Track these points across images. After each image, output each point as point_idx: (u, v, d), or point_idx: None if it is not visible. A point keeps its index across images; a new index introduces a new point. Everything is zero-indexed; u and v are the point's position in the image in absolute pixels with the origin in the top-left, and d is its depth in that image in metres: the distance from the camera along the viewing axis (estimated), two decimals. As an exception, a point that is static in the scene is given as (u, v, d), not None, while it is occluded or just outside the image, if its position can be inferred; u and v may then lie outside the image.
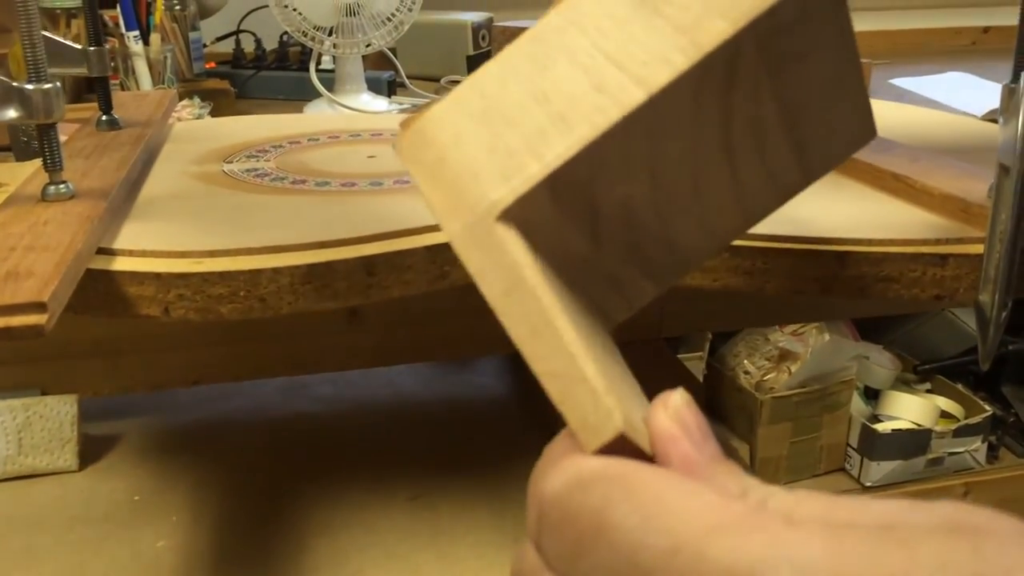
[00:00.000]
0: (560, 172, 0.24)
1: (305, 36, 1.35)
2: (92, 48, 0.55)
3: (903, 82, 1.53)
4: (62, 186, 0.43)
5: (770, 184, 0.28)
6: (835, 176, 0.49)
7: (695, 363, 1.55)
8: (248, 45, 1.54)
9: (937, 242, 0.40)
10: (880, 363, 1.60)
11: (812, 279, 0.40)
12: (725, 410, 1.55)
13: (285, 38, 1.54)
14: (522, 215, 0.24)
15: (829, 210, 0.44)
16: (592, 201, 0.25)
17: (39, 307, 0.31)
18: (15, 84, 0.40)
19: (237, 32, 1.51)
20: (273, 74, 1.48)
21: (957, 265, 0.39)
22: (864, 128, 0.29)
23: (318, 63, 1.37)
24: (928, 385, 1.65)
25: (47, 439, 0.50)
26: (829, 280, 0.40)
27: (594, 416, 0.22)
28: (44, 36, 0.57)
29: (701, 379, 1.58)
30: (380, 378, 0.60)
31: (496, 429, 0.56)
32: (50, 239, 0.37)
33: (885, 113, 0.67)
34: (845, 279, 0.40)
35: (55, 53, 0.52)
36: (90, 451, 0.52)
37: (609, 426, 0.21)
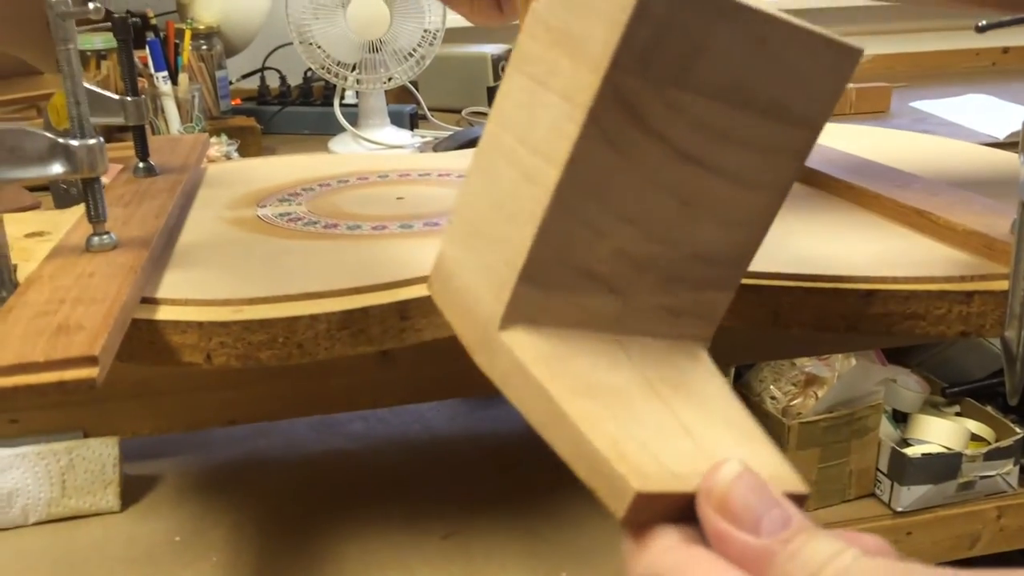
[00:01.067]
0: (528, 269, 0.25)
1: (328, 72, 1.37)
2: (129, 99, 0.57)
3: (924, 104, 1.53)
4: (105, 237, 0.44)
5: (769, 156, 0.27)
6: (859, 212, 0.50)
7: (721, 389, 1.55)
8: (273, 81, 1.57)
9: (962, 279, 0.40)
10: (908, 386, 1.59)
11: (839, 317, 0.41)
12: (752, 436, 1.55)
13: (309, 74, 1.56)
14: (521, 316, 0.26)
15: (854, 247, 0.45)
16: (582, 268, 0.26)
17: (90, 361, 0.32)
18: (60, 140, 0.41)
19: (262, 69, 1.54)
20: (298, 109, 1.50)
21: (982, 302, 0.40)
22: (838, 54, 0.27)
23: (342, 98, 1.40)
24: (957, 408, 1.63)
25: (90, 481, 0.51)
26: (856, 318, 0.40)
27: (613, 485, 0.23)
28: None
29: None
30: (410, 414, 0.61)
31: (526, 465, 0.56)
32: (97, 291, 0.38)
33: (905, 143, 0.67)
34: (872, 317, 0.40)
35: (93, 103, 0.53)
36: (130, 492, 0.53)
37: (627, 492, 0.22)
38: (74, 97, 0.41)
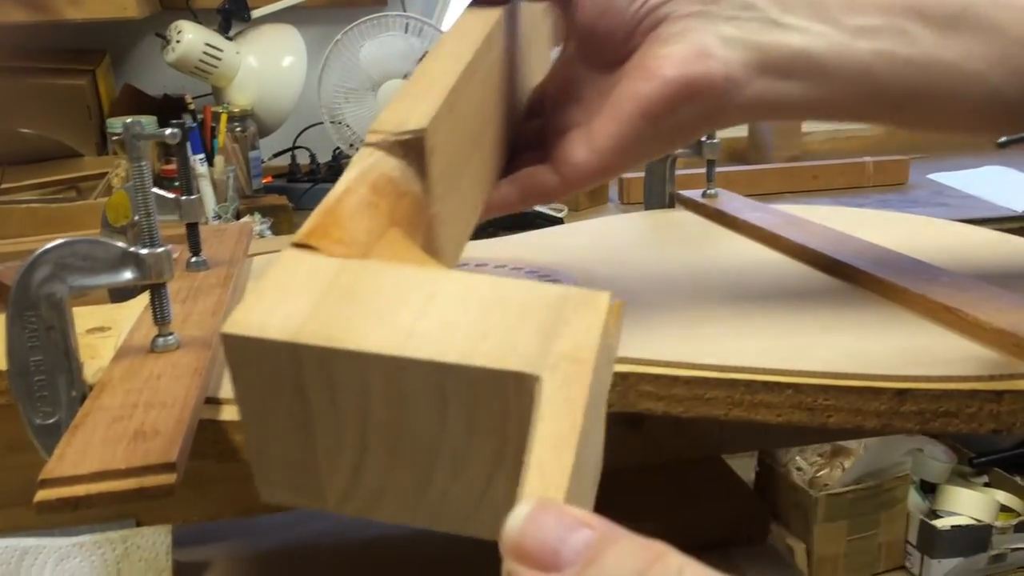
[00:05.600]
0: None
1: (357, 152, 1.41)
2: (184, 198, 0.60)
3: (942, 176, 1.56)
4: (170, 338, 0.46)
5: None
6: (888, 306, 0.52)
7: (746, 460, 1.55)
8: (302, 159, 1.62)
9: (991, 378, 0.42)
10: (935, 456, 1.58)
11: (873, 414, 0.42)
12: (779, 508, 1.54)
13: (337, 152, 1.61)
14: None
15: (886, 344, 0.46)
16: None
17: (168, 467, 0.34)
18: (131, 250, 0.44)
19: (293, 148, 1.59)
20: (327, 186, 1.54)
21: (1012, 400, 0.41)
22: None
23: (370, 176, 1.44)
24: (985, 478, 1.62)
25: (144, 570, 0.52)
26: (890, 415, 0.42)
27: None
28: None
29: (753, 475, 1.57)
30: (451, 500, 0.62)
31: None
32: (166, 395, 0.41)
33: (924, 231, 0.69)
34: (905, 414, 0.42)
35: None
36: (181, 579, 0.54)
37: None
38: (145, 209, 0.44)
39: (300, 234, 0.31)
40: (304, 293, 0.28)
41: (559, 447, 0.24)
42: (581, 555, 0.20)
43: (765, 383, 0.43)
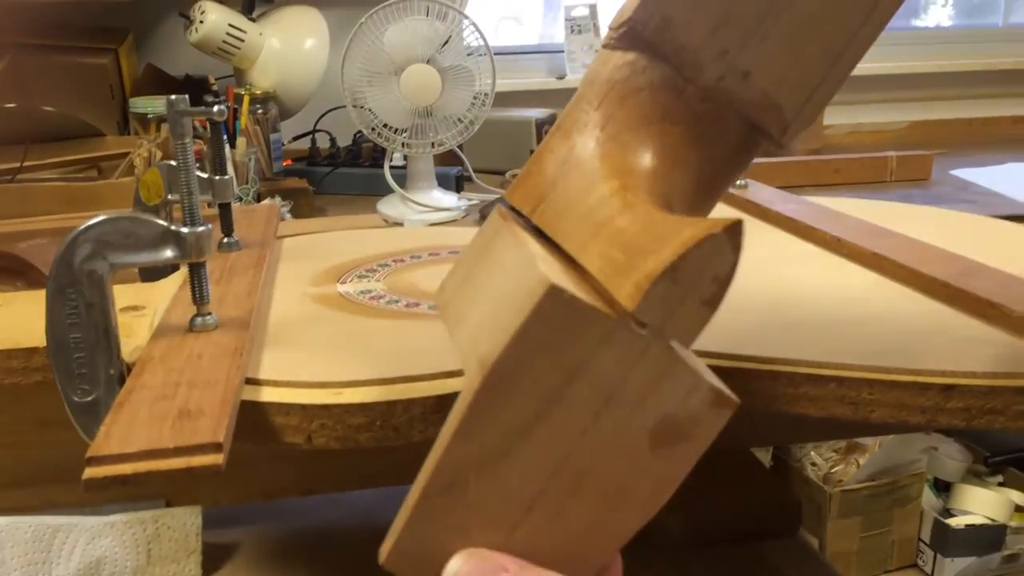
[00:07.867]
0: None
1: (379, 135, 1.41)
2: (217, 177, 0.59)
3: (965, 173, 1.55)
4: (208, 317, 0.46)
5: None
6: (929, 301, 0.51)
7: (760, 455, 1.54)
8: (323, 142, 1.61)
9: (1041, 376, 0.41)
10: (950, 455, 1.58)
11: (918, 410, 0.42)
12: (793, 502, 1.54)
13: (358, 136, 1.61)
14: None
15: (931, 339, 0.46)
16: None
17: (215, 447, 0.34)
18: (172, 228, 0.44)
19: (314, 131, 1.59)
20: (347, 171, 1.54)
21: (1062, 399, 0.40)
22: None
23: (390, 160, 1.43)
24: (1000, 477, 1.62)
25: (174, 549, 0.52)
26: (935, 411, 0.42)
27: None
28: (171, 165, 0.62)
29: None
30: (478, 487, 0.62)
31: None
32: (208, 374, 0.40)
33: (954, 225, 0.69)
34: (951, 411, 0.41)
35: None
36: (209, 561, 0.54)
37: None
38: (187, 188, 0.44)
39: (510, 187, 0.36)
40: (464, 265, 0.36)
41: (423, 478, 0.28)
42: None
43: (808, 376, 0.43)
